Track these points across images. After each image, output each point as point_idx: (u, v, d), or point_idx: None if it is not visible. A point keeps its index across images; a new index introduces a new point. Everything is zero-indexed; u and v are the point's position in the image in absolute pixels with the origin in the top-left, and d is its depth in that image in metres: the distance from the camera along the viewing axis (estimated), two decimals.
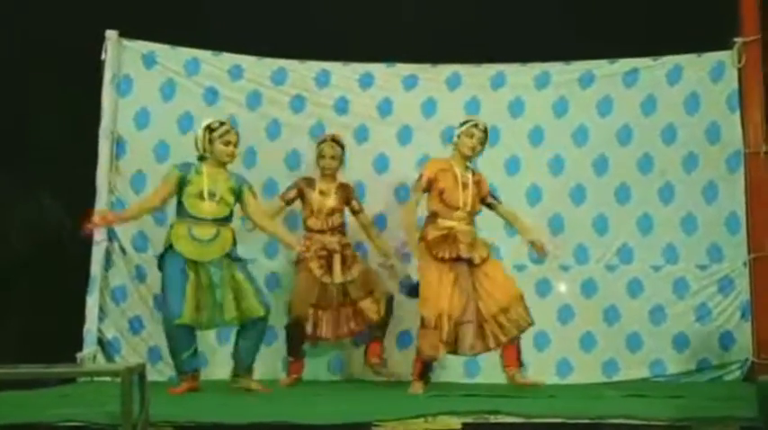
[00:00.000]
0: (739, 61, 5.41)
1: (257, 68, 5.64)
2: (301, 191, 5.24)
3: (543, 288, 5.50)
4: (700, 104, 5.51)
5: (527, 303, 4.79)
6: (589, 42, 5.56)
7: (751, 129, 5.42)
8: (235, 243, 4.83)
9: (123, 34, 5.46)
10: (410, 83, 5.69)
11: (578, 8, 5.64)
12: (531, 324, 4.80)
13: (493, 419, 3.77)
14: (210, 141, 4.81)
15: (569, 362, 5.41)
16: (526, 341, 5.09)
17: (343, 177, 5.35)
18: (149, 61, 5.54)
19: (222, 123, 4.83)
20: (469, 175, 4.90)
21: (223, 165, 4.85)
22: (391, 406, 4.03)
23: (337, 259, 5.12)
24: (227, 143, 4.82)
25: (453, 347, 4.74)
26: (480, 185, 4.94)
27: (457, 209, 4.81)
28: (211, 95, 5.58)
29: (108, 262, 5.37)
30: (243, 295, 4.74)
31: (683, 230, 5.48)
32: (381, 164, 5.64)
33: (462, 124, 4.92)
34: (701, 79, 5.51)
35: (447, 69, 5.68)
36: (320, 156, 5.25)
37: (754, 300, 5.34)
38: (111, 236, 5.40)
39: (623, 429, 3.72)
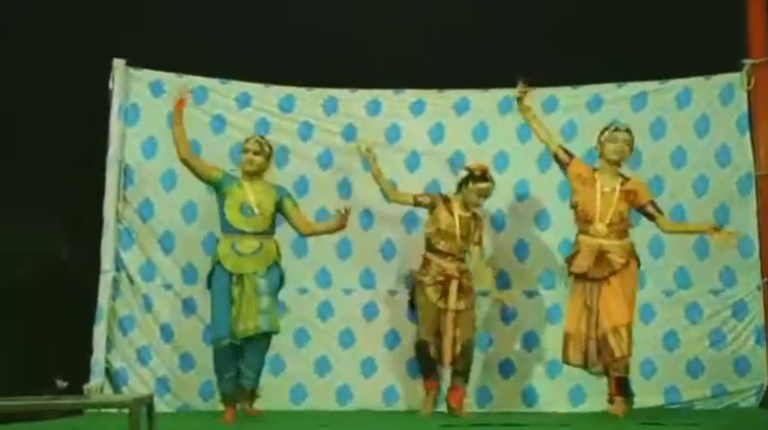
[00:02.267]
0: (749, 83, 5.39)
1: (265, 96, 5.63)
2: (434, 203, 5.13)
3: (554, 314, 5.40)
4: (709, 127, 5.47)
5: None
6: (596, 66, 5.53)
7: (762, 150, 5.38)
8: (279, 255, 4.84)
9: (131, 63, 5.46)
10: (418, 108, 5.66)
11: (585, 32, 5.62)
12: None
13: None
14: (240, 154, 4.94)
15: (582, 389, 5.31)
16: (537, 368, 5.00)
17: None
18: (157, 90, 5.52)
19: (253, 137, 4.99)
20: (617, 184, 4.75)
21: (258, 176, 4.83)
22: None
23: (454, 286, 5.03)
24: (247, 151, 4.87)
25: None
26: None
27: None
28: (219, 123, 5.55)
29: (115, 291, 5.34)
30: (249, 310, 4.71)
31: (696, 254, 5.42)
32: None
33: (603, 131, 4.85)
34: (710, 102, 5.48)
35: (455, 94, 5.66)
36: (477, 193, 5.10)
37: None
38: (119, 265, 5.37)
39: None
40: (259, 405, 5.02)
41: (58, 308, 5.29)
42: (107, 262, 5.32)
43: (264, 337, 4.77)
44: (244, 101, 5.60)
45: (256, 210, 4.78)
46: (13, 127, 5.42)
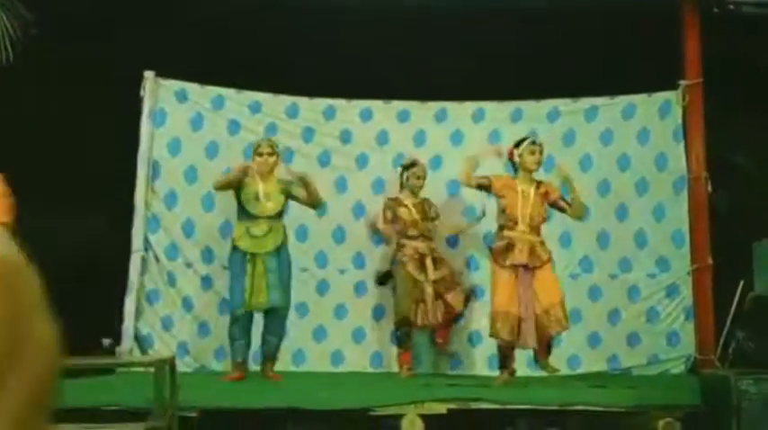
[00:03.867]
0: (684, 100, 5.42)
1: (273, 104, 5.65)
2: (392, 209, 5.24)
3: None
4: (650, 137, 5.51)
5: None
6: (558, 81, 5.56)
7: (693, 157, 5.43)
8: (285, 236, 4.84)
9: (159, 74, 5.45)
10: (403, 117, 5.70)
11: (550, 52, 5.62)
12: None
13: (474, 406, 3.75)
14: (253, 155, 4.93)
15: (577, 355, 5.37)
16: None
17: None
18: (181, 97, 5.54)
19: (264, 140, 4.98)
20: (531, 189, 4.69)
21: (271, 172, 4.85)
22: (388, 394, 4.00)
23: (429, 260, 5.12)
24: (262, 154, 4.86)
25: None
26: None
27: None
28: (234, 127, 5.57)
29: (144, 269, 5.35)
30: (260, 286, 4.71)
31: (636, 244, 5.47)
32: (378, 186, 5.64)
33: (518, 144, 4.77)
34: (651, 115, 5.52)
35: (435, 105, 5.69)
36: (416, 177, 5.24)
37: (696, 304, 5.35)
38: (147, 246, 5.39)
39: (587, 415, 3.70)
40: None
41: (98, 282, 5.31)
42: (137, 243, 5.33)
43: (282, 309, 4.77)
44: (255, 108, 5.62)
45: (268, 199, 4.79)
46: (67, 132, 5.42)
